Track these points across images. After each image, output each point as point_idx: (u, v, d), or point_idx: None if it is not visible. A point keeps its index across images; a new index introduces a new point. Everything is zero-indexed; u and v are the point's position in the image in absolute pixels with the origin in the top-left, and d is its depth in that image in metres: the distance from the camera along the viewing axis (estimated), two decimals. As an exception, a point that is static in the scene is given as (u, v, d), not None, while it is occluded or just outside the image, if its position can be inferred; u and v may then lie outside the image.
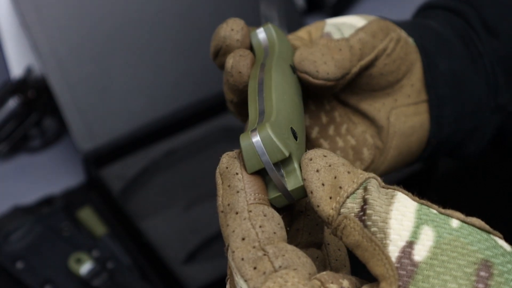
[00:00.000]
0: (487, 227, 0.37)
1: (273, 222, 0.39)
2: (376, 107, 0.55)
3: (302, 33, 0.55)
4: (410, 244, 0.36)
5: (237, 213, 0.39)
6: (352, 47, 0.51)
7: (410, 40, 0.55)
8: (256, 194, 0.40)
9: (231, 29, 0.50)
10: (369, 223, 0.37)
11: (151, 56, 0.96)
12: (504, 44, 0.58)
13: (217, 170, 0.41)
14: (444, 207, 0.40)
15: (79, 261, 0.80)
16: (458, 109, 0.57)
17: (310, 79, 0.49)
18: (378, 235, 0.36)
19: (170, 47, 0.97)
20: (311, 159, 0.39)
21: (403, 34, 0.55)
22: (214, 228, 0.87)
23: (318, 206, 0.38)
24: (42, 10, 0.91)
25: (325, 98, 0.55)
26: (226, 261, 0.79)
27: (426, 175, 0.91)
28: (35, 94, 0.96)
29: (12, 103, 0.95)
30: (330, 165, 0.39)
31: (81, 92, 0.92)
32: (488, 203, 0.83)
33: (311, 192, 0.39)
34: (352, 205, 0.37)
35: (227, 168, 0.41)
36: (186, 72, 0.98)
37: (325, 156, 0.39)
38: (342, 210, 0.38)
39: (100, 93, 0.93)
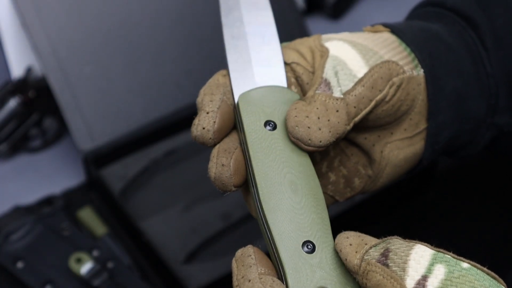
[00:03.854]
0: (494, 274, 0.41)
1: (282, 287, 0.44)
2: (371, 140, 0.54)
3: (305, 49, 0.53)
4: (424, 278, 0.41)
5: (249, 280, 0.44)
6: (348, 105, 0.50)
7: (415, 73, 0.54)
8: (266, 269, 0.45)
9: (202, 127, 0.49)
10: (391, 264, 0.42)
11: (151, 56, 0.96)
12: (511, 56, 0.57)
13: (233, 260, 0.46)
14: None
15: (80, 261, 0.81)
16: (455, 129, 0.56)
17: (302, 145, 0.48)
18: (398, 273, 0.42)
19: (170, 47, 0.97)
20: (343, 232, 0.45)
21: (407, 72, 0.53)
22: (214, 228, 0.87)
23: (346, 259, 0.44)
24: (42, 10, 0.91)
25: None
26: (226, 260, 0.79)
27: (426, 175, 0.91)
28: (35, 94, 0.96)
29: (12, 103, 0.95)
30: (359, 236, 0.45)
31: (81, 92, 0.92)
32: (487, 203, 0.83)
33: (340, 251, 0.44)
34: (374, 253, 0.43)
35: (241, 254, 0.46)
36: (186, 72, 0.98)
37: (357, 233, 0.45)
38: (365, 257, 0.43)
39: (100, 93, 0.93)
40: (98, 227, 0.86)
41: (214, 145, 0.50)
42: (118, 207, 0.88)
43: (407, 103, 0.53)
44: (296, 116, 0.48)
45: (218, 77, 0.52)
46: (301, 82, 0.52)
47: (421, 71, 0.54)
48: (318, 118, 0.49)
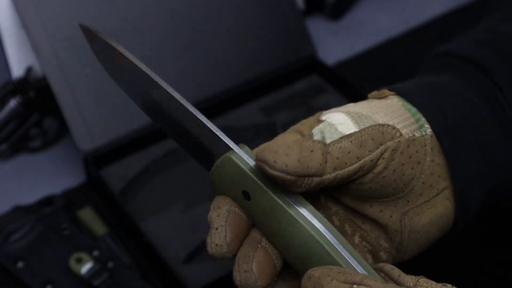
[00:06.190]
0: None
1: None
2: (387, 213, 0.53)
3: (305, 128, 0.53)
4: None
5: None
6: (330, 153, 0.49)
7: (417, 135, 0.52)
8: None
9: (215, 244, 0.49)
10: None
11: (151, 56, 0.96)
12: None
13: None
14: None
15: (80, 261, 0.81)
16: (486, 182, 0.55)
17: (267, 168, 0.46)
18: None
19: (171, 47, 0.97)
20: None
21: (405, 135, 0.52)
22: (214, 228, 0.87)
23: None
24: (42, 10, 0.91)
25: (333, 214, 0.54)
26: (226, 261, 0.78)
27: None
28: (35, 94, 0.96)
29: (13, 103, 0.95)
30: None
31: (81, 92, 0.92)
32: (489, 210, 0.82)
33: None
34: None
35: None
36: (187, 72, 0.98)
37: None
38: None
39: (100, 93, 0.93)
40: (98, 227, 0.86)
41: (234, 256, 0.50)
42: (118, 207, 0.88)
43: (412, 166, 0.52)
44: (266, 144, 0.48)
45: None
46: None
47: (428, 131, 0.53)
48: (288, 147, 0.47)
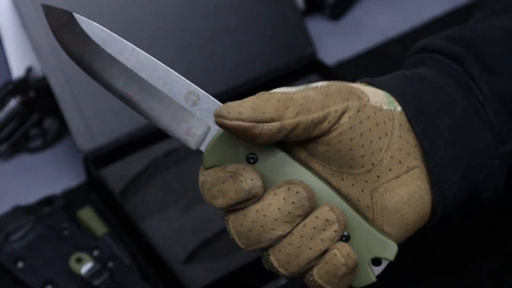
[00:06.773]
0: None
1: None
2: (358, 187, 0.53)
3: None
4: None
5: None
6: (293, 100, 0.50)
7: (385, 107, 0.54)
8: None
9: (251, 179, 0.50)
10: None
11: (151, 56, 0.96)
12: (506, 83, 0.57)
13: None
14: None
15: (80, 261, 0.81)
16: (462, 167, 0.55)
17: (223, 120, 0.49)
18: None
19: (171, 47, 0.97)
20: None
21: (372, 103, 0.53)
22: (214, 228, 0.87)
23: None
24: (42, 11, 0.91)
25: None
26: (226, 260, 0.79)
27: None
28: (35, 94, 0.96)
29: (13, 103, 0.95)
30: None
31: (81, 92, 0.92)
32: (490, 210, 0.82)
33: None
34: None
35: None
36: (187, 72, 0.98)
37: None
38: None
39: (100, 93, 0.93)
40: (98, 227, 0.86)
41: (260, 197, 0.51)
42: (118, 207, 0.88)
43: (379, 136, 0.53)
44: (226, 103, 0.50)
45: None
46: None
47: (398, 108, 0.54)
48: (243, 102, 0.49)
